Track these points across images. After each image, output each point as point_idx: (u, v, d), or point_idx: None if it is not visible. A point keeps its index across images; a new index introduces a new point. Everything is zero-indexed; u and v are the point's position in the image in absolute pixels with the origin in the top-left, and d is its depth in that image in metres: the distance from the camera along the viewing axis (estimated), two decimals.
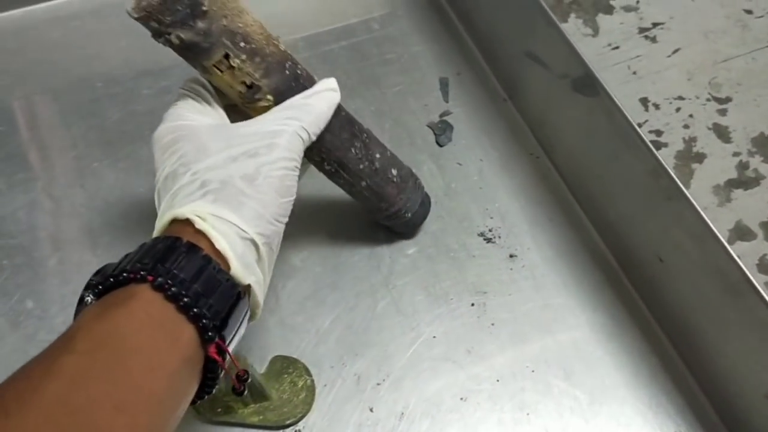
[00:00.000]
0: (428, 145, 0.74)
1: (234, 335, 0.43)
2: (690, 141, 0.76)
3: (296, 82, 0.51)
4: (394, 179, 0.60)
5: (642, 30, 0.87)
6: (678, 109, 0.79)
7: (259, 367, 0.58)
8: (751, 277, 0.50)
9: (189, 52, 0.49)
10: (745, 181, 0.73)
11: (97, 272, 0.42)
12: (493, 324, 0.62)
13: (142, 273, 0.39)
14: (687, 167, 0.74)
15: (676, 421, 0.58)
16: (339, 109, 0.54)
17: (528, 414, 0.58)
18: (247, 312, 0.44)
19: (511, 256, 0.66)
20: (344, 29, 0.83)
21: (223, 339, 0.41)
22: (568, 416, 0.57)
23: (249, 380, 0.53)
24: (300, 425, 0.57)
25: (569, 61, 0.65)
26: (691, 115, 0.79)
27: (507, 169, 0.72)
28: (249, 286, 0.44)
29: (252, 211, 0.44)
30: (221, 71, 0.49)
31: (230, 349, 0.43)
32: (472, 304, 0.63)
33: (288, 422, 0.56)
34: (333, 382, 0.59)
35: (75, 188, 0.69)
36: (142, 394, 0.35)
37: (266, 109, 0.50)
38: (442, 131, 0.75)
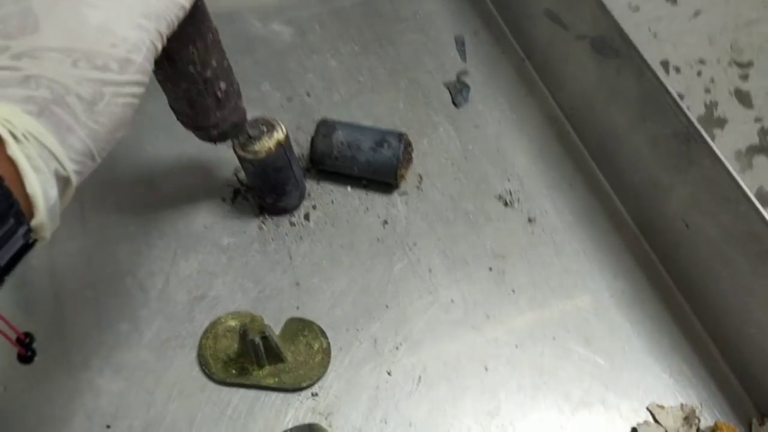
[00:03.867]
0: (444, 106, 0.72)
1: None
2: (711, 106, 0.75)
3: None
4: (218, 93, 0.51)
5: None
6: (699, 73, 0.77)
7: (274, 329, 0.57)
8: None
9: None
10: (767, 147, 0.72)
11: None
12: (512, 289, 0.61)
13: None
14: (708, 132, 0.72)
15: (697, 388, 0.57)
16: None
17: (548, 379, 0.57)
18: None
19: (529, 220, 0.65)
20: None
21: None
22: (588, 382, 0.57)
23: (265, 342, 0.52)
24: (315, 388, 0.55)
25: (595, 21, 0.63)
26: (712, 80, 0.77)
27: (525, 132, 0.71)
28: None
29: (81, 144, 0.34)
30: None
31: None
32: (490, 269, 0.62)
33: (304, 384, 0.55)
34: (349, 345, 0.57)
35: None
36: None
37: None
38: (458, 91, 0.73)
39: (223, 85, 0.51)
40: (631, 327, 0.59)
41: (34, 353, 0.42)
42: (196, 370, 0.56)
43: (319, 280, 0.60)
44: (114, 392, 0.54)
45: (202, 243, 0.62)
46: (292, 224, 0.63)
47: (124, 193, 0.64)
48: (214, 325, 0.57)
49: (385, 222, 0.64)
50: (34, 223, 0.33)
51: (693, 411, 0.54)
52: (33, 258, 0.59)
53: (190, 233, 0.62)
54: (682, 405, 0.55)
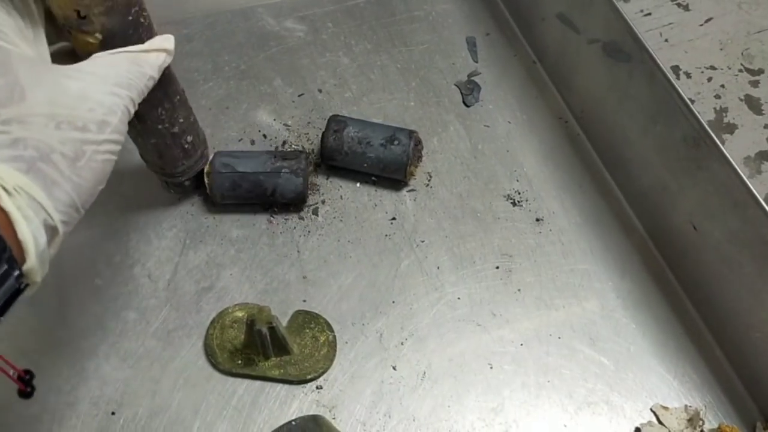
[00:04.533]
0: (455, 105, 0.72)
1: None
2: (721, 111, 0.75)
3: (134, 31, 0.45)
4: (186, 145, 0.56)
5: None
6: (710, 79, 0.78)
7: (281, 321, 0.57)
8: None
9: None
10: None
11: None
12: (518, 288, 0.61)
13: None
14: (718, 137, 0.72)
15: (702, 391, 0.57)
16: None
17: (552, 378, 0.57)
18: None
19: (537, 220, 0.65)
20: None
21: None
22: (593, 382, 0.57)
23: (271, 333, 0.52)
24: (320, 380, 0.56)
25: (608, 25, 0.63)
26: (722, 86, 0.77)
27: (535, 133, 0.71)
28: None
29: (66, 197, 0.37)
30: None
31: None
32: (497, 267, 0.62)
33: (309, 377, 0.55)
34: (355, 339, 0.58)
35: None
36: None
37: (88, 45, 0.44)
38: (469, 91, 0.73)
39: (189, 138, 0.56)
40: (636, 328, 0.59)
41: (33, 389, 0.45)
42: (202, 360, 0.56)
43: (326, 274, 0.61)
44: (120, 380, 0.55)
45: (211, 235, 0.62)
46: (301, 218, 0.64)
47: (134, 184, 0.64)
48: (221, 315, 0.57)
49: (394, 218, 0.64)
50: (25, 267, 0.35)
51: (697, 413, 0.54)
52: None
53: (200, 225, 0.63)
54: (686, 407, 0.55)
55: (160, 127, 0.53)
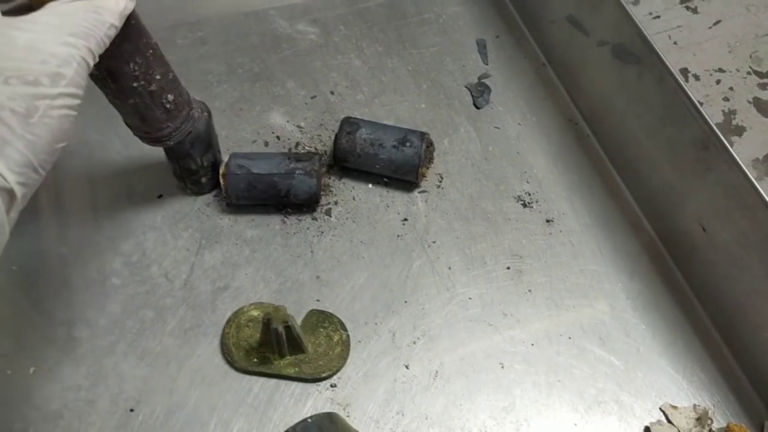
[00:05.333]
0: (466, 107, 0.73)
1: None
2: (730, 114, 0.75)
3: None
4: (167, 104, 0.53)
5: (683, 0, 0.86)
6: (718, 81, 0.78)
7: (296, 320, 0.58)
8: None
9: None
10: None
11: None
12: (529, 289, 0.62)
13: None
14: (727, 139, 0.73)
15: (711, 390, 0.58)
16: (129, 17, 0.46)
17: (562, 378, 0.58)
18: None
19: (548, 221, 0.66)
20: None
21: None
22: (603, 381, 0.57)
23: (287, 331, 0.53)
24: (334, 379, 0.56)
25: (618, 27, 0.64)
26: (731, 88, 0.78)
27: (545, 135, 0.72)
28: None
29: (19, 155, 0.36)
30: None
31: None
32: (508, 268, 0.63)
33: (323, 375, 0.56)
34: (368, 338, 0.59)
35: (109, 134, 0.69)
36: None
37: None
38: (480, 93, 0.74)
39: (170, 96, 0.53)
40: (646, 328, 0.60)
41: None
42: (219, 358, 0.57)
43: (339, 274, 0.62)
44: (138, 377, 0.56)
45: (226, 235, 0.63)
46: (314, 219, 0.64)
47: (150, 184, 0.65)
48: (236, 314, 0.58)
49: (405, 219, 0.65)
50: None
51: (706, 412, 0.55)
52: (62, 245, 0.61)
53: (215, 225, 0.63)
54: (695, 406, 0.56)
55: (135, 85, 0.50)
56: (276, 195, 0.62)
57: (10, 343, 0.56)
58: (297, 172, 0.61)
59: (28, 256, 0.60)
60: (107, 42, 0.41)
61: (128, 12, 0.44)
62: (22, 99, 0.36)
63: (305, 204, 0.64)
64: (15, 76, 0.36)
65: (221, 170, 0.61)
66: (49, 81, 0.37)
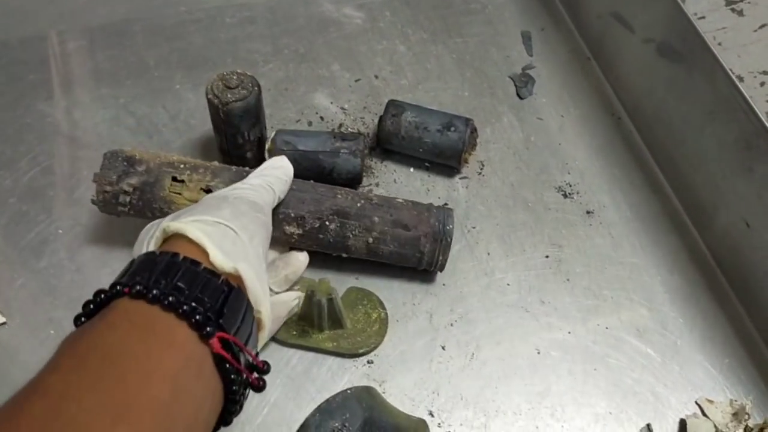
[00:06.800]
0: (509, 97, 0.74)
1: (239, 329, 0.39)
2: None
3: (246, 172, 0.56)
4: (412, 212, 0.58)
5: (729, 2, 0.85)
6: (762, 84, 0.78)
7: None
8: None
9: (144, 195, 0.54)
10: None
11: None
12: (567, 278, 0.62)
13: (117, 288, 0.36)
14: None
15: (747, 387, 0.57)
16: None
17: (598, 367, 0.58)
18: (246, 304, 0.40)
19: (588, 212, 0.66)
20: None
21: (224, 331, 0.37)
22: (639, 372, 0.57)
23: (329, 304, 0.53)
24: (371, 355, 0.57)
25: (668, 24, 0.64)
26: None
27: (588, 128, 0.72)
28: (239, 277, 0.41)
29: (226, 212, 0.45)
30: (179, 193, 0.54)
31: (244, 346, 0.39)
32: (547, 256, 0.63)
33: (360, 351, 0.56)
34: (406, 318, 0.59)
35: (156, 108, 0.70)
36: (142, 400, 0.32)
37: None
38: (523, 84, 0.74)
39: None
40: (684, 323, 0.60)
41: (263, 384, 0.41)
42: None
43: None
44: None
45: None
46: None
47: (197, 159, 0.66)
48: None
49: (446, 204, 0.65)
50: (211, 259, 0.41)
51: (743, 408, 0.55)
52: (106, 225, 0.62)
53: None
54: (731, 401, 0.56)
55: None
56: (320, 173, 0.63)
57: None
58: (342, 151, 0.62)
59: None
60: (283, 187, 0.54)
61: (289, 173, 0.55)
62: (221, 193, 0.50)
63: (348, 183, 0.64)
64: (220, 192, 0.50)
65: (267, 145, 0.62)
66: (238, 182, 0.52)
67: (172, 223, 0.42)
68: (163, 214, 0.54)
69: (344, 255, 0.58)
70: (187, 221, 0.42)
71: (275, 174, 0.53)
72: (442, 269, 0.59)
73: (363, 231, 0.56)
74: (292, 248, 0.56)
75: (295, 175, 0.63)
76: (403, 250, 0.57)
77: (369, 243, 0.56)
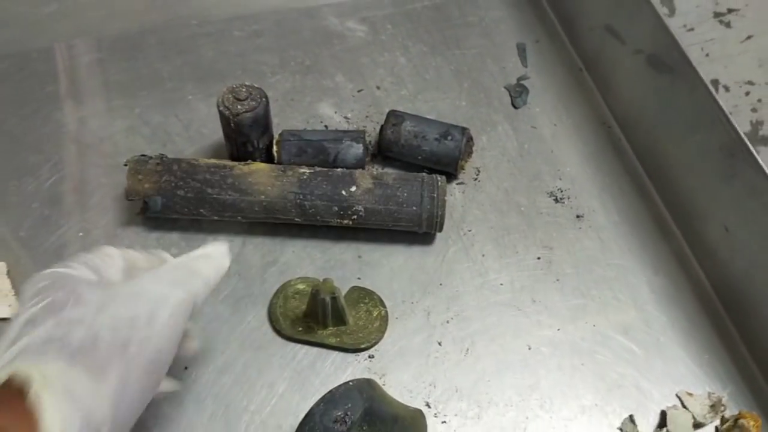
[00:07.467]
0: (504, 107, 0.77)
1: None
2: (757, 124, 0.79)
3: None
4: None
5: (717, 14, 0.89)
6: (747, 93, 0.82)
7: None
8: None
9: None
10: None
11: None
12: (557, 278, 0.66)
13: None
14: (754, 148, 0.76)
15: (725, 381, 0.61)
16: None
17: (586, 362, 0.61)
18: None
19: (578, 216, 0.70)
20: None
21: None
22: (623, 367, 0.61)
23: (333, 302, 0.57)
24: (373, 350, 0.61)
25: (653, 37, 0.68)
26: (759, 100, 0.81)
27: (580, 136, 0.76)
28: None
29: (109, 388, 0.38)
30: None
31: None
32: (538, 258, 0.67)
33: (362, 346, 0.60)
34: (405, 315, 0.63)
35: (170, 117, 0.74)
36: None
37: None
38: (518, 94, 0.78)
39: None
40: (667, 321, 0.64)
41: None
42: (266, 326, 0.61)
43: (380, 255, 0.66)
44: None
45: None
46: None
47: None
48: (284, 287, 0.63)
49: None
50: None
51: (719, 400, 0.58)
52: (117, 226, 0.66)
53: None
54: (709, 394, 0.59)
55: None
56: (325, 160, 0.67)
57: None
58: (345, 139, 0.67)
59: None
60: (207, 292, 0.48)
61: (224, 269, 0.49)
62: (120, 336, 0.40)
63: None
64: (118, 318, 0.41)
65: (275, 138, 0.67)
66: (146, 320, 0.42)
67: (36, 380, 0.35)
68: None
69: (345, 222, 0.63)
70: (55, 377, 0.36)
71: (206, 276, 0.47)
72: (440, 228, 0.64)
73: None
74: None
75: (303, 162, 0.67)
76: (401, 210, 0.63)
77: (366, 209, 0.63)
